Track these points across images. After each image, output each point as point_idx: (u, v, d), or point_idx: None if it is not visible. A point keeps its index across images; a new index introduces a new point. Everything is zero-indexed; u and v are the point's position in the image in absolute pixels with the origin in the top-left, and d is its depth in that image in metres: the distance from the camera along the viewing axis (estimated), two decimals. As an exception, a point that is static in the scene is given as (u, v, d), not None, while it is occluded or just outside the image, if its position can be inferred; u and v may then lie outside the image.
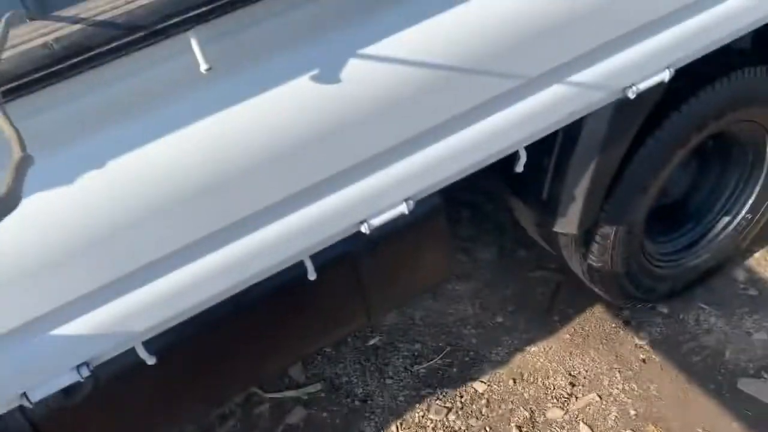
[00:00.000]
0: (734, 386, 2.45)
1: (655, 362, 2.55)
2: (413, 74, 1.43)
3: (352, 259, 1.83)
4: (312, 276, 1.65)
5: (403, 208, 1.62)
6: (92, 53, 1.09)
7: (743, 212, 2.59)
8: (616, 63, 1.68)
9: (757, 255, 2.82)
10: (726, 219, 2.61)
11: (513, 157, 1.81)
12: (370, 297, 2.01)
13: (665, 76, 1.78)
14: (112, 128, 1.22)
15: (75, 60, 1.08)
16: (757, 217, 2.62)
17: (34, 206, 1.19)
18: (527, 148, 1.79)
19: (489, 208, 3.16)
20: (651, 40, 1.70)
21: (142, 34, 1.11)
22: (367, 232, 1.59)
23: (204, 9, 1.14)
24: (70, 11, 1.10)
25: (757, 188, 2.55)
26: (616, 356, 2.58)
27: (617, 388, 2.49)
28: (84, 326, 1.35)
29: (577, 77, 1.64)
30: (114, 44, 1.10)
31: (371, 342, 2.71)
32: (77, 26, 1.08)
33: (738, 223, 2.61)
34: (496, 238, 3.06)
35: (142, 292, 1.38)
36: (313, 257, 1.63)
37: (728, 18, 1.80)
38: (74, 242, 1.26)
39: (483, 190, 3.02)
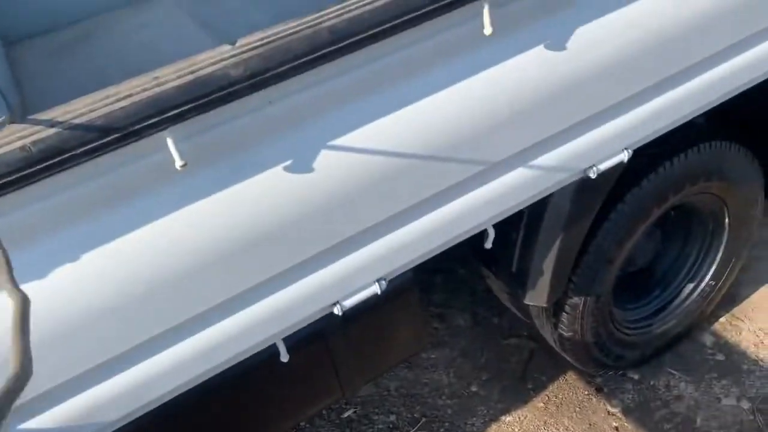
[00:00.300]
0: (706, 454, 2.48)
1: (628, 430, 2.57)
2: (382, 162, 1.48)
3: (324, 338, 1.85)
4: (284, 358, 1.66)
5: (375, 289, 1.65)
6: (69, 155, 1.12)
7: (707, 279, 2.67)
8: (576, 146, 1.75)
9: (722, 320, 2.88)
10: (691, 286, 2.68)
11: (482, 233, 1.86)
12: (343, 373, 2.01)
13: (624, 157, 1.86)
14: (87, 223, 1.24)
15: (52, 161, 1.11)
16: (720, 283, 2.70)
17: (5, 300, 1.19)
18: (495, 225, 1.84)
19: (462, 273, 3.20)
20: (609, 124, 1.78)
21: (118, 135, 1.15)
22: (340, 313, 1.62)
23: (179, 110, 1.18)
24: (49, 114, 1.14)
25: (719, 256, 2.63)
26: (590, 425, 2.60)
27: (592, 458, 2.50)
28: (53, 419, 1.34)
29: (540, 161, 1.71)
30: (91, 146, 1.13)
31: (346, 414, 2.69)
32: (56, 129, 1.11)
33: (702, 290, 2.68)
34: (469, 305, 3.09)
35: (113, 383, 1.38)
36: (286, 337, 1.64)
37: (682, 101, 1.90)
38: (46, 335, 1.26)
39: (455, 256, 3.07)
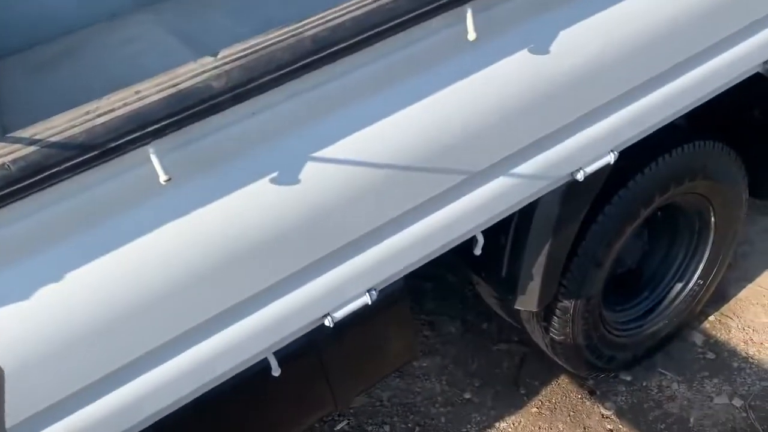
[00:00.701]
0: (701, 453, 2.48)
1: (623, 432, 2.57)
2: (369, 171, 1.47)
3: (315, 350, 1.82)
4: (276, 372, 1.64)
5: (366, 299, 1.64)
6: (50, 172, 1.09)
7: (695, 278, 2.67)
8: (563, 150, 1.75)
9: (711, 318, 2.89)
10: (679, 285, 2.68)
11: (471, 239, 1.85)
12: (336, 385, 1.99)
13: (610, 159, 1.86)
14: (70, 242, 1.21)
15: (33, 180, 1.08)
16: (708, 282, 2.70)
17: (-12, 323, 1.17)
18: (484, 231, 1.84)
19: (451, 280, 3.19)
20: (594, 126, 1.78)
21: (101, 151, 1.12)
22: (331, 325, 1.60)
23: (162, 124, 1.16)
24: (28, 131, 1.12)
25: (706, 255, 2.64)
26: (584, 428, 2.59)
27: (587, 462, 2.49)
28: (40, 443, 1.31)
29: (527, 165, 1.71)
30: (73, 162, 1.11)
31: (339, 427, 2.66)
32: (36, 146, 1.09)
33: (691, 289, 2.69)
34: (459, 311, 3.08)
35: (101, 403, 1.35)
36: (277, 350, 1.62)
37: (668, 101, 1.91)
38: (31, 357, 1.23)
39: (444, 263, 3.06)
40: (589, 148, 1.81)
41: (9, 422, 1.24)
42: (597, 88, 1.72)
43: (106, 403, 1.35)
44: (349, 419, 2.68)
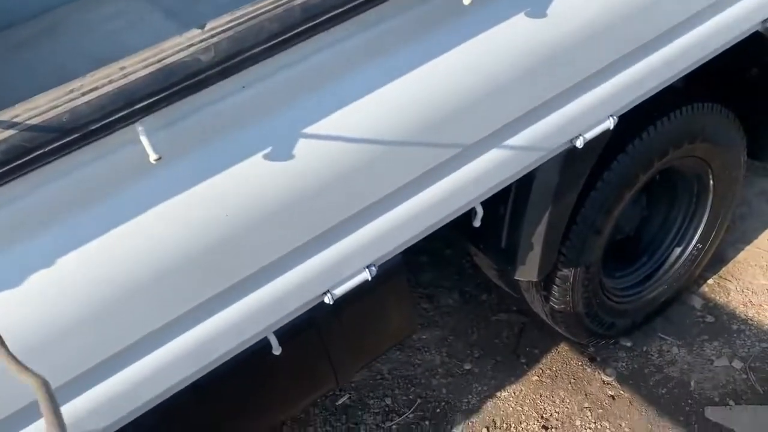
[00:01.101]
0: (702, 416, 2.49)
1: (624, 398, 2.57)
2: (365, 144, 1.43)
3: (315, 327, 1.80)
4: (277, 351, 1.62)
5: (365, 275, 1.61)
6: (34, 155, 1.05)
7: (694, 242, 2.66)
8: (562, 116, 1.71)
9: (710, 281, 2.89)
10: (678, 250, 2.67)
11: (470, 211, 1.82)
12: (337, 361, 1.98)
13: (609, 124, 1.83)
14: (60, 226, 1.17)
15: (16, 164, 1.04)
16: (707, 246, 2.69)
17: None
18: (483, 202, 1.81)
19: (448, 252, 3.17)
20: (593, 91, 1.74)
21: (86, 131, 1.08)
22: (331, 302, 1.57)
23: (150, 101, 1.12)
24: (9, 113, 1.07)
25: (705, 218, 2.63)
26: (586, 395, 2.59)
27: (589, 428, 2.49)
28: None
29: (527, 133, 1.67)
30: (58, 144, 1.06)
31: (340, 401, 2.65)
32: (18, 128, 1.04)
33: (690, 253, 2.68)
34: (456, 283, 3.06)
35: (101, 388, 1.32)
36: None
37: (667, 63, 1.87)
38: (26, 345, 1.20)
39: (440, 236, 3.04)
40: (588, 114, 1.78)
41: (1, 413, 1.21)
42: (596, 51, 1.68)
43: (105, 387, 1.33)
44: (350, 393, 2.67)
